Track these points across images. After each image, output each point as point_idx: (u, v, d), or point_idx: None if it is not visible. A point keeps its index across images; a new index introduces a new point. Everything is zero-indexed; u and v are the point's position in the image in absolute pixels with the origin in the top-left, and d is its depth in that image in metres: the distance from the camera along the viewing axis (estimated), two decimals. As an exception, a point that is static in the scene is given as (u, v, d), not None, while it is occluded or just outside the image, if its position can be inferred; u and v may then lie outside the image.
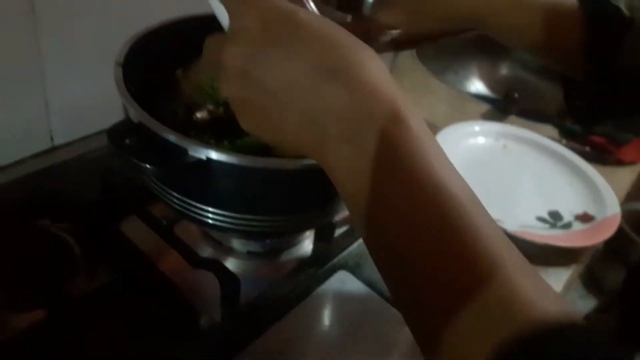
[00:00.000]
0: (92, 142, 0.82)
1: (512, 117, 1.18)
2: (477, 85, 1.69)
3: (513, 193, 0.92)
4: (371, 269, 0.70)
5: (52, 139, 0.79)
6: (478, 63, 1.70)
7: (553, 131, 1.16)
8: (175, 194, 0.57)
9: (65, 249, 0.63)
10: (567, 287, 0.78)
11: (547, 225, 0.85)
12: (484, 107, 1.21)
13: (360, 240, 0.73)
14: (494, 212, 0.80)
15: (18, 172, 0.74)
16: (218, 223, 0.57)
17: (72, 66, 0.76)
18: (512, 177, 0.96)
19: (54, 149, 0.80)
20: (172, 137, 0.50)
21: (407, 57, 1.34)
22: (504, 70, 1.72)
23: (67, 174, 0.76)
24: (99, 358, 0.55)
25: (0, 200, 0.66)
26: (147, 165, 0.48)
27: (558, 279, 0.78)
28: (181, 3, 0.71)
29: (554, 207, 0.90)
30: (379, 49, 0.72)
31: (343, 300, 0.65)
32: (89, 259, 0.63)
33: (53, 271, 0.61)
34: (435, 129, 1.01)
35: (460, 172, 0.36)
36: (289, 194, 0.56)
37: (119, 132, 0.50)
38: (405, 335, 0.62)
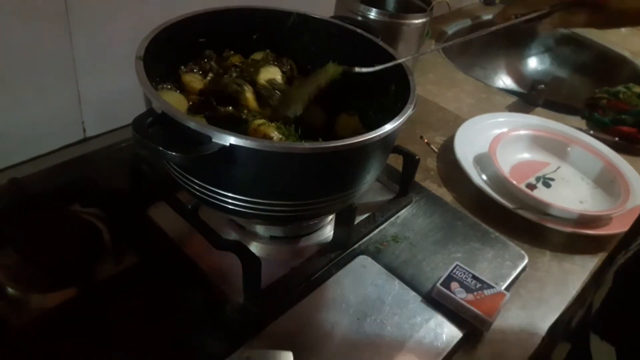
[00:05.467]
0: (123, 133, 0.85)
1: (539, 109, 1.17)
2: (504, 80, 1.67)
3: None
4: (392, 255, 0.70)
5: (84, 130, 0.82)
6: (505, 58, 1.68)
7: (580, 122, 1.14)
8: (196, 181, 0.58)
9: (95, 233, 0.66)
10: (593, 274, 0.76)
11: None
12: (510, 100, 1.19)
13: (382, 227, 0.74)
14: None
15: (52, 161, 0.77)
16: (238, 208, 0.59)
17: (104, 60, 0.78)
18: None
19: (85, 140, 0.83)
20: (196, 125, 0.52)
21: (433, 53, 1.34)
22: (532, 64, 1.69)
23: (98, 164, 0.79)
24: (124, 336, 0.57)
25: (35, 187, 0.69)
26: (172, 153, 0.50)
27: (584, 266, 0.77)
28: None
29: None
30: None
31: (363, 284, 0.65)
32: (117, 243, 0.66)
33: (83, 253, 0.63)
34: (460, 120, 1.01)
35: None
36: (310, 177, 0.57)
37: (143, 122, 0.52)
38: (424, 317, 0.63)
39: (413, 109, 0.61)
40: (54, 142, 0.80)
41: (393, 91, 0.69)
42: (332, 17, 0.77)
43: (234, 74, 0.71)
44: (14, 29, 0.67)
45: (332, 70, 0.68)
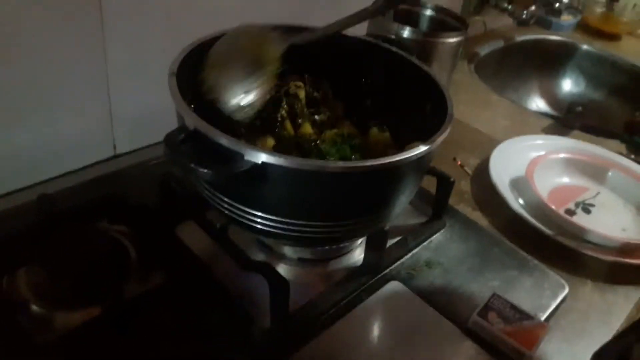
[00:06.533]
0: (154, 151, 0.84)
1: (576, 132, 1.13)
2: (538, 103, 1.64)
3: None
4: (425, 282, 0.68)
5: (114, 147, 0.82)
6: (539, 80, 1.65)
7: (620, 146, 1.10)
8: (226, 199, 0.57)
9: (122, 251, 0.65)
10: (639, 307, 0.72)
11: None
12: (546, 122, 1.16)
13: (414, 251, 0.72)
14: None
15: (81, 177, 0.77)
16: (266, 228, 0.57)
17: (137, 76, 0.78)
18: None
19: (116, 157, 0.82)
20: (228, 142, 0.50)
21: (465, 74, 1.32)
22: (567, 86, 1.66)
23: (127, 181, 0.78)
24: (149, 357, 0.55)
25: (64, 203, 0.68)
26: (204, 170, 0.49)
27: (628, 298, 0.73)
28: (239, 16, 0.73)
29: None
30: None
31: (395, 312, 0.63)
32: (144, 261, 0.64)
33: (109, 271, 0.62)
34: (495, 142, 0.98)
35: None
36: (341, 197, 0.55)
37: (175, 138, 0.52)
38: (459, 349, 0.60)
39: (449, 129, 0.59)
40: (84, 159, 0.80)
41: (429, 110, 0.67)
42: (365, 35, 0.76)
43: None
44: (48, 43, 0.68)
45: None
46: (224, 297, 0.62)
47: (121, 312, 0.59)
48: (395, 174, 0.55)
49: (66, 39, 0.69)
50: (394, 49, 0.72)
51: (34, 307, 0.57)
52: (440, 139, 0.55)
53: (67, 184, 0.75)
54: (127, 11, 0.73)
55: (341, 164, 0.52)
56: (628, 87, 1.55)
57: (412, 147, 0.54)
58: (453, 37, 0.93)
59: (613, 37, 1.71)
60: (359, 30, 0.95)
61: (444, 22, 1.01)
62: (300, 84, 0.71)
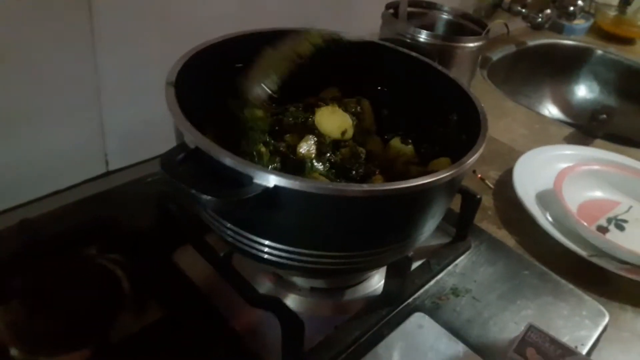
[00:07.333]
0: (149, 167, 0.78)
1: (599, 141, 1.07)
2: (551, 110, 1.57)
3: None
4: (453, 312, 0.61)
5: (107, 163, 0.75)
6: (551, 86, 1.59)
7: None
8: (230, 226, 0.50)
9: (113, 282, 0.58)
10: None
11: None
12: (567, 130, 1.09)
13: (439, 277, 0.65)
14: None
15: (69, 198, 0.70)
16: (276, 259, 0.50)
17: (130, 87, 0.72)
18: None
19: (108, 174, 0.76)
20: (235, 164, 0.43)
21: (478, 79, 1.25)
22: (581, 93, 1.59)
23: (121, 200, 0.71)
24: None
25: (48, 229, 0.62)
26: (207, 197, 0.42)
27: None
28: (240, 21, 0.67)
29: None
30: None
31: (421, 348, 0.56)
32: (138, 294, 0.57)
33: (98, 307, 0.55)
34: (514, 153, 0.91)
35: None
36: (364, 224, 0.48)
37: (173, 158, 0.45)
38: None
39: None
40: (72, 177, 0.73)
41: (455, 121, 0.61)
42: (381, 39, 0.69)
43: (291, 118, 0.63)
44: (33, 50, 0.61)
45: (313, 35, 0.62)
46: (228, 333, 0.55)
47: (113, 353, 0.52)
48: (425, 197, 0.49)
49: (53, 44, 0.62)
50: (413, 54, 0.66)
51: (13, 351, 0.50)
52: (476, 156, 0.49)
53: (51, 206, 0.68)
54: (119, 16, 0.66)
55: (366, 187, 0.45)
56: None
57: (441, 166, 0.48)
58: (474, 41, 0.86)
59: (626, 41, 1.65)
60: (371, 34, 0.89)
61: (462, 25, 0.95)
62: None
